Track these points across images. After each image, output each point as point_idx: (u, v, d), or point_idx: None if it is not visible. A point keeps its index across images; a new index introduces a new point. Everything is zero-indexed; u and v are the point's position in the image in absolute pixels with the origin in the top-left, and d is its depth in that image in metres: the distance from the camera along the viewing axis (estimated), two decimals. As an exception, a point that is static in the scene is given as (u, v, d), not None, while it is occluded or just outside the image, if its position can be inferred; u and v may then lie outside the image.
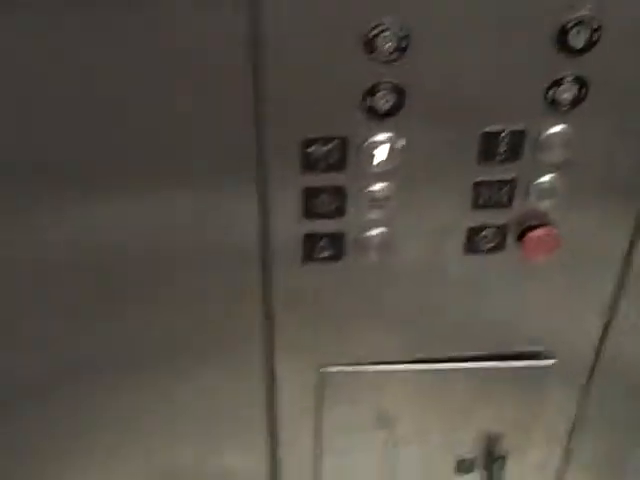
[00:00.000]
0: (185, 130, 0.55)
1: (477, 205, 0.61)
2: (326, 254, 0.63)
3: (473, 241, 0.64)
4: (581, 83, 0.55)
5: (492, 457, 0.81)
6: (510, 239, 0.64)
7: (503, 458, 0.81)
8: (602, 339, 0.74)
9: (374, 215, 0.60)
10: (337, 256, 0.63)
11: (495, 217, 0.62)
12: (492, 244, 0.64)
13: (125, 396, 0.71)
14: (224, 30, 0.51)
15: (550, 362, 0.74)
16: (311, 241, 0.62)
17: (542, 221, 0.63)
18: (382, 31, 0.51)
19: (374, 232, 0.62)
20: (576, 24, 0.52)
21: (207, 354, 0.70)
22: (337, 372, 0.72)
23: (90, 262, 0.62)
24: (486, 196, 0.61)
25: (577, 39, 0.52)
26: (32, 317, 0.64)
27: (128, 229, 0.60)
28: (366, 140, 0.56)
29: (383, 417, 0.77)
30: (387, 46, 0.51)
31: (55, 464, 0.77)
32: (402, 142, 0.56)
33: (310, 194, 0.59)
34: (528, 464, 0.84)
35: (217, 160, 0.57)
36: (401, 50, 0.52)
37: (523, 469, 0.84)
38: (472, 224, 0.62)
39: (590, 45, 0.53)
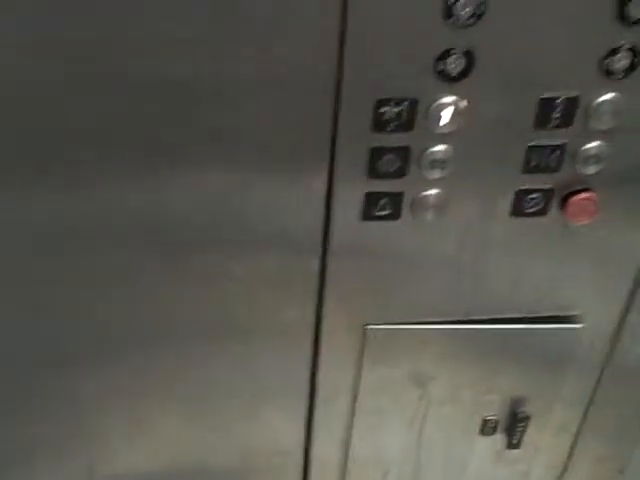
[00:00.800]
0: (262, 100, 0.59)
1: (528, 169, 0.65)
2: (385, 213, 0.66)
3: (520, 204, 0.68)
4: (635, 52, 0.59)
5: (515, 419, 0.85)
6: (554, 204, 0.68)
7: (526, 420, 0.85)
8: (629, 306, 0.78)
9: (433, 176, 0.64)
10: (394, 215, 0.66)
11: (543, 181, 0.66)
12: (537, 208, 0.68)
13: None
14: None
15: (578, 326, 0.78)
16: (372, 199, 0.65)
17: (585, 186, 0.67)
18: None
19: (431, 192, 0.66)
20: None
21: (259, 306, 0.73)
22: (380, 330, 0.76)
23: (156, 235, 0.65)
24: (537, 160, 0.65)
25: (636, 10, 0.56)
26: (95, 286, 0.67)
27: (194, 205, 0.64)
28: (434, 102, 0.60)
29: (419, 377, 0.81)
30: (465, 11, 0.55)
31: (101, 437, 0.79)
32: (464, 104, 0.60)
33: (377, 154, 0.62)
34: (548, 427, 0.88)
35: (291, 119, 0.60)
36: (477, 16, 0.56)
37: (543, 432, 0.88)
38: (521, 187, 0.66)
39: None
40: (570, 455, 0.93)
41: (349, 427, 0.84)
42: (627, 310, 0.78)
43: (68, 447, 0.78)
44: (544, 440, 0.90)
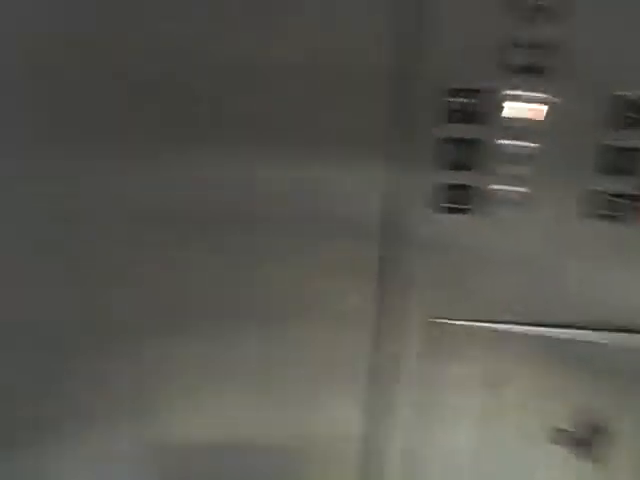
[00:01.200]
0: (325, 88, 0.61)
1: (604, 169, 0.64)
2: (454, 205, 0.67)
3: (594, 206, 0.67)
4: None
5: (594, 431, 0.82)
6: (630, 208, 0.67)
7: (601, 434, 0.82)
8: None
9: (509, 171, 0.64)
10: (463, 208, 0.67)
11: (622, 184, 0.65)
12: (612, 211, 0.67)
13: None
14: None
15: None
16: (441, 191, 0.66)
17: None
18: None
19: (508, 188, 0.66)
20: None
21: (319, 299, 0.74)
22: (446, 324, 0.75)
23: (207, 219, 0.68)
24: (612, 161, 0.64)
25: None
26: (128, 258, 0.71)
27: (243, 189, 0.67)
28: (508, 95, 0.61)
29: (490, 378, 0.79)
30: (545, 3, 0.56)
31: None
32: (540, 98, 0.60)
33: (448, 145, 0.63)
34: (628, 446, 0.84)
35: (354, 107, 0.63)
36: (556, 11, 0.56)
37: (622, 450, 0.84)
38: (598, 188, 0.65)
39: None
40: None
41: (409, 418, 0.83)
42: None
43: (128, 411, 0.82)
44: (623, 459, 0.86)
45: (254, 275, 0.72)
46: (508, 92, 0.59)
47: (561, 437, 0.84)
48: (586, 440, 0.83)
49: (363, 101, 0.60)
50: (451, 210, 0.67)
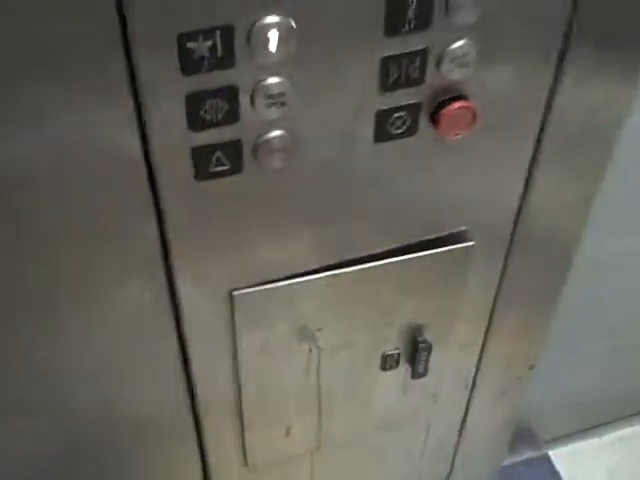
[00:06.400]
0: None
1: (386, 85, 0.53)
2: (223, 168, 0.53)
3: (383, 127, 0.56)
4: None
5: (416, 347, 0.78)
6: (423, 120, 0.57)
7: (429, 348, 0.78)
8: (518, 213, 0.70)
9: (272, 115, 0.51)
10: (235, 169, 0.54)
11: (406, 96, 0.55)
12: (404, 127, 0.57)
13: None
14: None
15: (470, 243, 0.69)
16: (203, 154, 0.52)
17: (457, 94, 0.56)
18: None
19: (273, 135, 0.53)
20: None
21: (102, 297, 0.60)
22: (248, 293, 0.65)
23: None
24: (395, 73, 0.53)
25: None
26: None
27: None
28: (254, 26, 0.46)
29: (303, 331, 0.71)
30: None
31: None
32: (290, 23, 0.47)
33: (196, 100, 0.49)
34: (452, 347, 0.81)
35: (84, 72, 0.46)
36: None
37: (448, 352, 0.81)
38: (381, 107, 0.55)
39: None
40: (478, 367, 0.87)
41: (238, 397, 0.74)
42: (517, 217, 0.70)
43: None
44: (449, 361, 0.83)
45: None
46: (255, 21, 0.45)
47: (392, 362, 0.78)
48: (417, 358, 0.78)
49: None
50: (220, 174, 0.54)
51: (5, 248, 0.54)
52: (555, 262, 0.77)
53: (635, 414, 1.42)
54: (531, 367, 0.92)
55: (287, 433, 0.83)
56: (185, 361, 0.69)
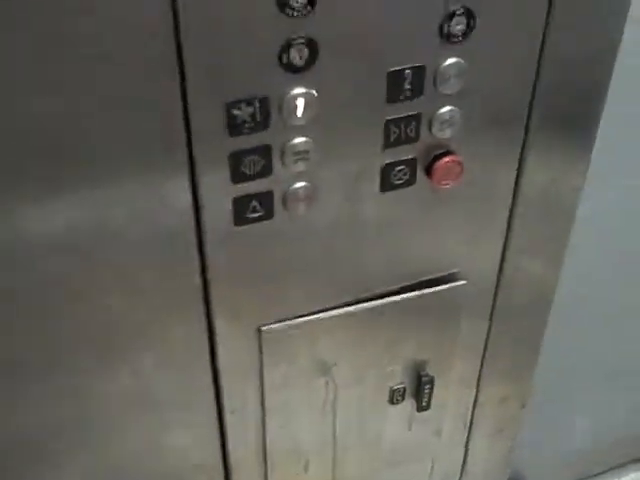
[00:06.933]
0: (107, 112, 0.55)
1: (389, 144, 0.65)
2: (257, 214, 0.65)
3: (387, 179, 0.68)
4: (469, 15, 0.60)
5: (420, 383, 0.87)
6: (420, 172, 0.69)
7: (431, 382, 0.87)
8: (503, 257, 0.81)
9: (298, 169, 0.63)
10: (268, 214, 0.65)
11: (405, 152, 0.67)
12: (405, 179, 0.69)
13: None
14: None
15: (461, 283, 0.80)
16: (243, 203, 0.63)
17: (446, 150, 0.68)
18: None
19: (299, 185, 0.65)
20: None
21: (145, 334, 0.70)
22: (275, 329, 0.75)
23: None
24: (396, 133, 0.65)
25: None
26: None
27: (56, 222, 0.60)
28: (285, 96, 0.59)
29: (321, 365, 0.80)
30: (298, 2, 0.54)
31: None
32: (314, 93, 0.59)
33: (238, 157, 0.61)
34: (451, 382, 0.91)
35: (143, 137, 0.58)
36: (311, 4, 0.55)
37: (448, 387, 0.90)
38: (385, 161, 0.67)
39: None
40: (475, 403, 0.96)
41: (262, 428, 0.83)
42: (502, 260, 0.81)
43: None
44: (450, 395, 0.92)
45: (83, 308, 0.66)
46: (286, 92, 0.57)
47: (398, 396, 0.87)
48: (420, 392, 0.87)
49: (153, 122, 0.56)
50: (256, 220, 0.65)
51: (74, 297, 0.64)
52: (536, 306, 0.88)
53: (629, 462, 1.47)
54: (523, 406, 1.02)
55: (305, 469, 0.91)
56: (217, 394, 0.78)
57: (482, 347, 0.89)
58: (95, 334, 0.68)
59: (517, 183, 0.75)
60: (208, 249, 0.66)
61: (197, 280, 0.68)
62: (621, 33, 0.67)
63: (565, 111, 0.71)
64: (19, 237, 0.58)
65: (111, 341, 0.69)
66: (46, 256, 0.60)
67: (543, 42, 0.65)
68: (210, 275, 0.68)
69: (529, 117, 0.69)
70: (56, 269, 0.61)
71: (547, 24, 0.64)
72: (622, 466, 1.46)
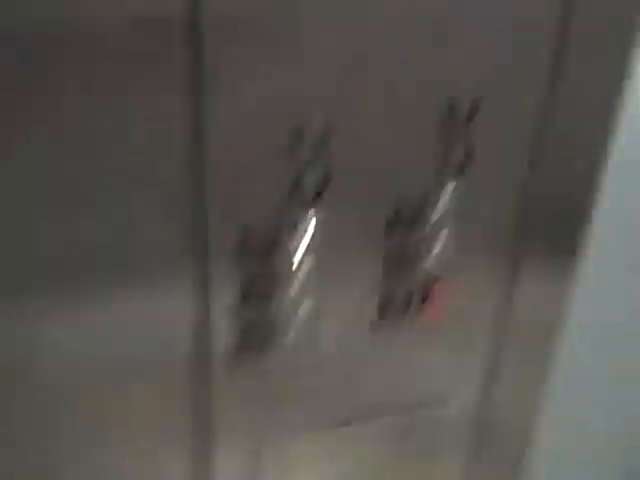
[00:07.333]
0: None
1: (387, 274, 0.69)
2: (261, 339, 0.67)
3: (385, 307, 0.72)
4: (468, 149, 0.65)
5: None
6: (414, 302, 0.73)
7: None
8: (487, 387, 0.84)
9: (300, 294, 0.67)
10: (271, 339, 0.68)
11: (402, 284, 0.71)
12: (400, 307, 0.72)
13: None
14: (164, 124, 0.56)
15: (446, 408, 0.82)
16: (249, 326, 0.66)
17: (438, 282, 0.72)
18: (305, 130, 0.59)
19: (301, 311, 0.68)
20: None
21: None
22: (273, 449, 0.76)
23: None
24: (394, 265, 0.69)
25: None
26: None
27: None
28: (297, 224, 0.63)
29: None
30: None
31: None
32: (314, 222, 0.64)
33: (249, 280, 0.64)
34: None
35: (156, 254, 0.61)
36: (324, 144, 0.60)
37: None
38: (385, 291, 0.70)
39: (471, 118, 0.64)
40: None
41: None
42: (486, 389, 0.84)
43: None
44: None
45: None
46: (299, 221, 0.61)
47: None
48: None
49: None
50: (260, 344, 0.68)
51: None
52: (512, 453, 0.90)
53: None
54: None
55: None
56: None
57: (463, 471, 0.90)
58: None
59: (502, 311, 0.79)
60: (213, 369, 0.68)
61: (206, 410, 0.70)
62: (604, 169, 0.72)
63: (549, 240, 0.76)
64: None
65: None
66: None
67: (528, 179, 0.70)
68: (216, 405, 0.70)
69: (516, 252, 0.74)
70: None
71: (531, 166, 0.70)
72: None
